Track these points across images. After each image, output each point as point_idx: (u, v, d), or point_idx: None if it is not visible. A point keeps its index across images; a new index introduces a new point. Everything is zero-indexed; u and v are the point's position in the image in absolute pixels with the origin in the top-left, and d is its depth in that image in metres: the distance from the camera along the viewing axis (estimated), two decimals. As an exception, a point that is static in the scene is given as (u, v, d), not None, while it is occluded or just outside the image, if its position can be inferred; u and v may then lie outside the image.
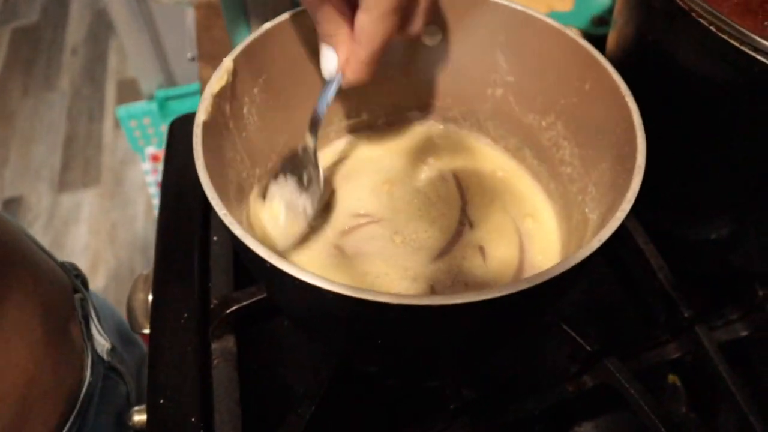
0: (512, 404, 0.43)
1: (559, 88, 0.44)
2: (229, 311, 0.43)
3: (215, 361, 0.44)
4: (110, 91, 2.16)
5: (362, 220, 0.47)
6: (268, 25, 0.42)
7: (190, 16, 1.27)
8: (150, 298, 0.49)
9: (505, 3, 0.44)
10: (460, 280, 0.44)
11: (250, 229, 0.42)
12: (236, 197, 0.41)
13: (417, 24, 0.38)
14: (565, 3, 0.74)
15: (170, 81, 1.67)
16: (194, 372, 0.43)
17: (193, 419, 0.41)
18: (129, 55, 1.60)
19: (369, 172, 0.50)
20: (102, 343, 0.54)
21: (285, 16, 0.43)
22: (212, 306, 0.46)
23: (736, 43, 0.34)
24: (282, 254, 0.45)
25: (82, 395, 0.49)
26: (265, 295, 0.43)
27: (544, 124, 0.47)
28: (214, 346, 0.44)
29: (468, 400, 0.41)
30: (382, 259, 0.44)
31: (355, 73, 0.38)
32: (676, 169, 0.45)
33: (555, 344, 0.47)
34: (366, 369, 0.46)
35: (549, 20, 0.42)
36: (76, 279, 0.56)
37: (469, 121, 0.52)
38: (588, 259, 0.30)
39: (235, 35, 0.61)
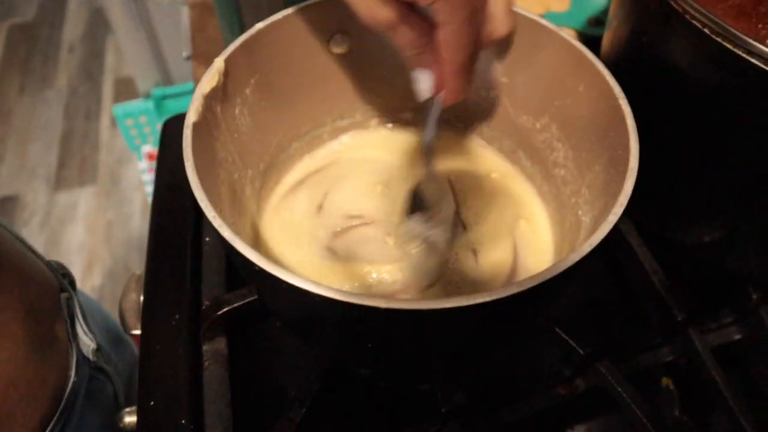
0: (504, 408, 0.43)
1: (553, 89, 0.43)
2: (220, 313, 0.43)
3: (206, 363, 0.43)
4: (107, 90, 2.15)
5: (355, 222, 0.47)
6: (260, 25, 0.42)
7: (185, 15, 1.26)
8: (141, 299, 0.49)
9: (500, 4, 0.44)
10: (453, 283, 0.43)
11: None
12: (229, 198, 0.41)
13: (499, 25, 0.35)
14: (562, 3, 0.74)
15: (167, 80, 1.67)
16: (185, 374, 0.43)
17: (183, 421, 0.41)
18: (126, 53, 1.59)
19: (362, 174, 0.50)
20: (87, 343, 0.53)
21: (278, 15, 0.42)
22: (204, 307, 0.46)
23: (730, 46, 0.34)
24: (274, 258, 0.45)
25: (66, 395, 0.49)
26: (256, 297, 0.43)
27: (538, 125, 0.46)
28: (205, 347, 0.44)
29: (460, 403, 0.41)
30: (374, 260, 0.44)
31: (453, 91, 0.36)
32: (670, 171, 0.45)
33: (547, 347, 0.46)
34: (357, 372, 0.45)
35: (543, 21, 0.42)
36: (63, 278, 0.55)
37: (462, 123, 0.52)
38: (580, 263, 0.30)
39: (228, 35, 0.60)
